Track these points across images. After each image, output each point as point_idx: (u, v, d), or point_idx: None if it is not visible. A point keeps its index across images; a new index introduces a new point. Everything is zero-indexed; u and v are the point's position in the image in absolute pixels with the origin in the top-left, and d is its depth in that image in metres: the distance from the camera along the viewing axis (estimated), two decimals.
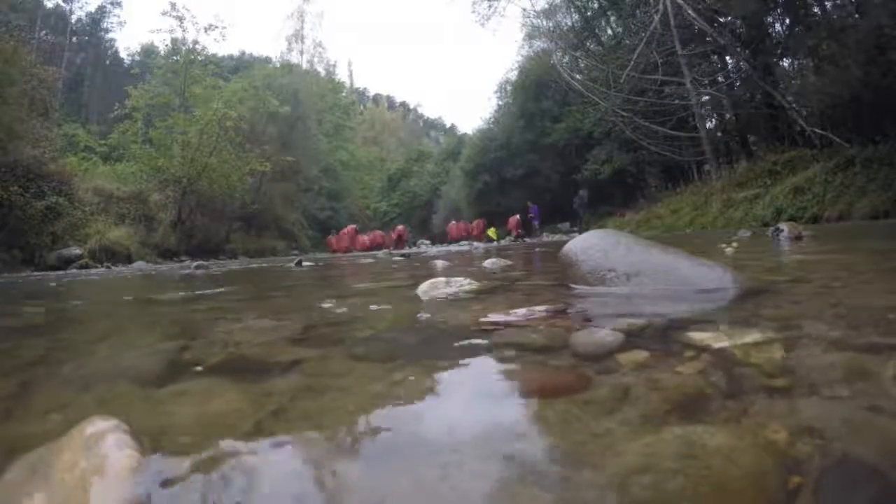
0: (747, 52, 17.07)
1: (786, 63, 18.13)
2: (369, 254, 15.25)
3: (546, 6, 27.58)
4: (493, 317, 1.23)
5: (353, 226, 29.25)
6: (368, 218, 42.98)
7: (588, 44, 26.38)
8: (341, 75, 53.37)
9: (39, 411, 0.76)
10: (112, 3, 44.51)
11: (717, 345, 0.82)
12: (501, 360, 0.87)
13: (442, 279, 1.89)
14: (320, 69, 45.67)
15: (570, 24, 27.24)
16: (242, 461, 0.53)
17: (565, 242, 1.88)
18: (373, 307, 1.69)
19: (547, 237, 20.45)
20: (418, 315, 1.36)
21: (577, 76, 24.88)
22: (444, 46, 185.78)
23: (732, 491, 0.43)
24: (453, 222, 28.84)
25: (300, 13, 44.08)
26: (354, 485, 0.48)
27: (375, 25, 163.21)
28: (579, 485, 0.45)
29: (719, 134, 21.46)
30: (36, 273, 10.99)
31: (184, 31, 26.29)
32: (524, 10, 28.69)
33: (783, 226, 4.96)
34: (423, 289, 1.83)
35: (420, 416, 0.66)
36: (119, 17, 54.17)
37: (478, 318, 1.25)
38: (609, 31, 26.53)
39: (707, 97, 20.03)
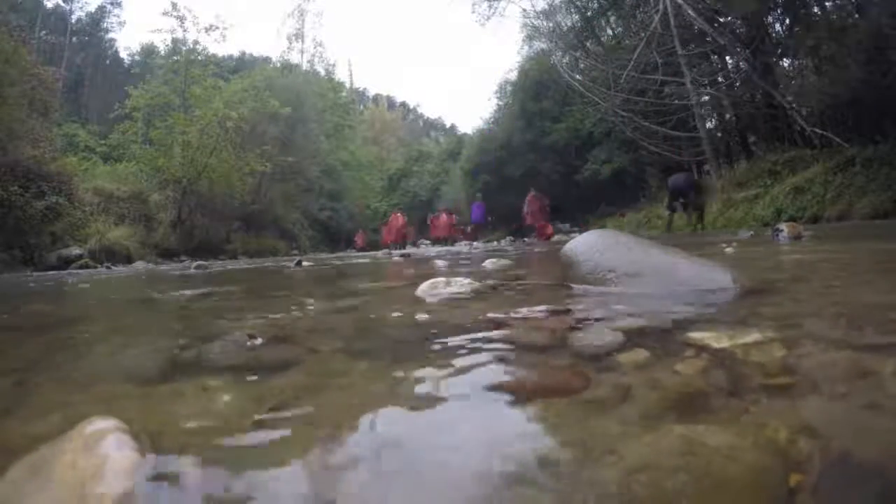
0: (747, 52, 17.06)
1: (786, 63, 18.15)
2: (368, 254, 15.26)
3: (546, 6, 27.55)
4: (493, 316, 1.23)
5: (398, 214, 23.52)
6: (368, 218, 42.97)
7: (588, 44, 26.35)
8: (341, 75, 53.43)
9: (39, 411, 0.76)
10: (112, 3, 44.66)
11: (717, 344, 0.82)
12: (501, 359, 0.87)
13: (442, 279, 1.89)
14: (320, 69, 45.73)
15: (570, 24, 27.19)
16: (242, 460, 0.53)
17: (565, 242, 1.88)
18: (373, 306, 1.69)
19: None
20: (418, 315, 1.36)
21: (577, 76, 24.86)
22: (444, 46, 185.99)
23: (733, 489, 0.43)
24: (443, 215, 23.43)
25: (300, 12, 44.18)
26: (354, 484, 0.48)
27: (375, 25, 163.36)
28: (580, 484, 0.45)
29: (719, 134, 21.46)
30: (31, 273, 10.96)
31: (184, 31, 26.35)
32: (524, 10, 28.62)
33: (783, 226, 4.95)
34: (423, 289, 1.83)
35: (420, 414, 0.66)
36: (119, 17, 54.25)
37: (478, 317, 1.25)
38: (609, 32, 26.51)
39: (707, 97, 20.03)
